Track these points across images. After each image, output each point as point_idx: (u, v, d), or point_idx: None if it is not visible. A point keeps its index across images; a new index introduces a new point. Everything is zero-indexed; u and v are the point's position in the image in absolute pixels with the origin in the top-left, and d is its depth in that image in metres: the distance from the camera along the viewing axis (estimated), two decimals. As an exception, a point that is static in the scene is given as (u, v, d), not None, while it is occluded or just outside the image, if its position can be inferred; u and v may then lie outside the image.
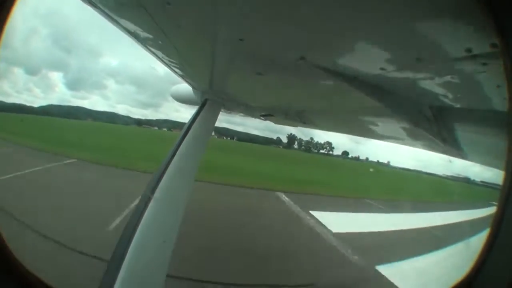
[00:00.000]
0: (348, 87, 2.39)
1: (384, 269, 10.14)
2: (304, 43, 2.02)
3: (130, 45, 3.23)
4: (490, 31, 1.17)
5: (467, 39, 1.30)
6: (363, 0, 1.30)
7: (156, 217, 3.49)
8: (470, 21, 1.19)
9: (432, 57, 1.59)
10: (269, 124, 8.66)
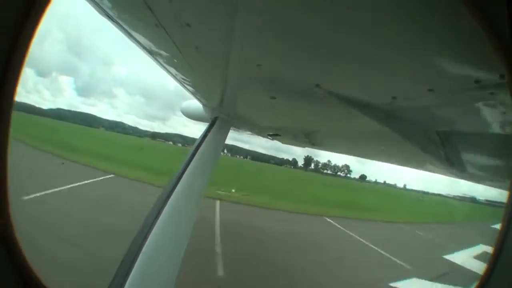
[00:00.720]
0: (359, 114, 2.47)
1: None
2: (320, 72, 2.11)
3: (143, 57, 3.33)
4: (499, 62, 1.25)
5: (477, 70, 1.39)
6: (378, 33, 1.39)
7: (165, 233, 3.49)
8: (481, 53, 1.27)
9: (443, 88, 1.67)
10: (276, 143, 8.71)
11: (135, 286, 3.02)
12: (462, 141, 2.32)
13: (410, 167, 4.47)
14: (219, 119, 5.31)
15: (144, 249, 3.25)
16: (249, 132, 7.92)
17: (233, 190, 26.25)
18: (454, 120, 2.10)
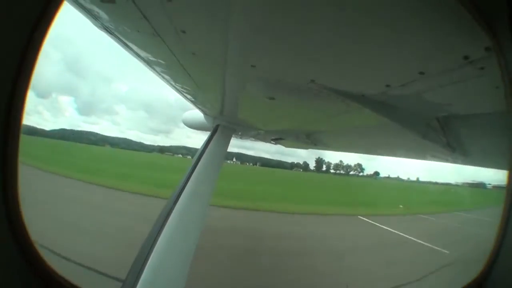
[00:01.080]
0: (356, 106, 2.49)
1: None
2: (313, 67, 2.14)
3: (143, 72, 3.36)
4: (483, 35, 1.27)
5: (463, 46, 1.40)
6: (364, 21, 1.42)
7: (171, 242, 3.49)
8: (464, 28, 1.29)
9: (433, 69, 1.68)
10: (280, 148, 8.72)
11: None
12: (462, 125, 2.32)
13: (414, 158, 4.46)
14: (220, 127, 5.36)
15: (151, 259, 3.24)
16: (252, 138, 7.96)
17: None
18: (451, 103, 2.11)
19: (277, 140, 7.14)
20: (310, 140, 5.40)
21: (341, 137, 4.97)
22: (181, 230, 3.69)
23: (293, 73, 2.38)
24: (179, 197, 3.94)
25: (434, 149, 2.62)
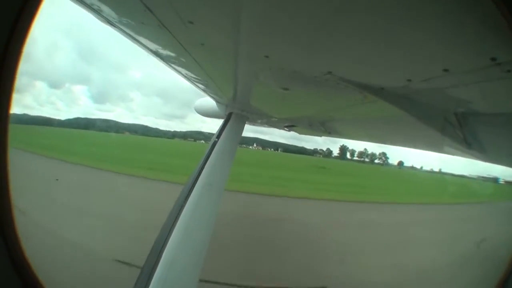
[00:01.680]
0: (373, 98, 2.40)
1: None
2: (331, 58, 2.06)
3: (154, 58, 3.36)
4: None
5: (492, 48, 1.33)
6: (390, 15, 1.34)
7: (188, 228, 3.56)
8: (494, 30, 1.22)
9: (458, 67, 1.60)
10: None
11: (161, 281, 3.10)
12: (481, 122, 2.23)
13: (429, 150, 4.35)
14: (233, 115, 5.34)
15: (168, 244, 3.32)
16: (266, 125, 7.91)
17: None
18: (472, 101, 2.02)
19: (290, 127, 7.07)
20: (324, 128, 5.32)
21: (356, 127, 4.87)
22: (197, 218, 3.75)
23: (308, 65, 2.31)
24: (194, 185, 3.99)
25: (450, 143, 2.53)
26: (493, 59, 1.34)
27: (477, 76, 1.56)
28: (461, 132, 2.35)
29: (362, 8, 1.36)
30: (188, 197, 3.81)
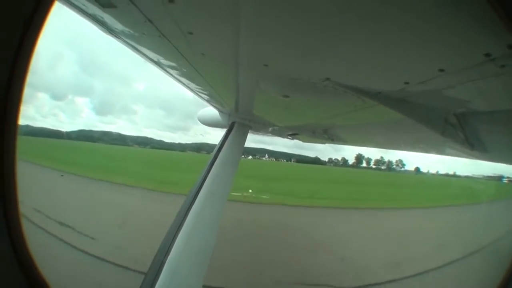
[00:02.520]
0: (372, 103, 2.42)
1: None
2: (328, 65, 2.10)
3: (156, 69, 3.42)
4: (506, 32, 1.21)
5: (485, 44, 1.34)
6: (383, 20, 1.37)
7: (191, 238, 3.55)
8: (486, 25, 1.23)
9: (454, 66, 1.62)
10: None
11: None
12: (481, 121, 2.23)
13: (432, 153, 4.33)
14: (236, 124, 5.37)
15: (171, 252, 3.32)
16: (269, 134, 7.93)
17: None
18: (470, 100, 2.03)
19: (293, 135, 7.09)
20: (327, 135, 5.33)
21: (358, 132, 4.87)
22: (200, 227, 3.74)
23: (307, 71, 2.34)
24: (198, 194, 4.00)
25: (452, 144, 2.52)
26: (487, 54, 1.36)
27: (473, 74, 1.57)
28: (462, 133, 2.35)
29: (355, 15, 1.39)
30: (192, 205, 3.81)
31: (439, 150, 3.75)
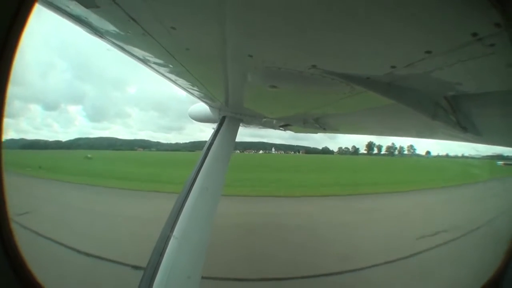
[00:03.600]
0: (361, 89, 2.40)
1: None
2: (313, 52, 2.05)
3: (146, 71, 3.37)
4: (492, 10, 1.17)
5: (471, 23, 1.31)
6: (365, 2, 1.33)
7: (186, 231, 3.57)
8: (471, 4, 1.20)
9: (441, 47, 1.58)
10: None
11: (163, 283, 3.11)
12: (472, 104, 2.22)
13: (425, 137, 4.36)
14: (227, 118, 5.35)
15: (168, 250, 3.34)
16: (261, 126, 7.91)
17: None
18: (460, 82, 2.00)
19: (285, 126, 7.07)
20: (319, 124, 5.32)
21: (350, 120, 4.87)
22: (194, 224, 3.76)
23: (292, 60, 2.30)
24: (191, 190, 4.00)
25: (444, 128, 2.52)
26: (474, 34, 1.32)
27: (461, 55, 1.54)
28: (454, 116, 2.34)
29: None
30: (186, 201, 3.82)
31: (432, 134, 3.77)
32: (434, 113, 2.31)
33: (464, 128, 2.34)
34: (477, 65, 1.63)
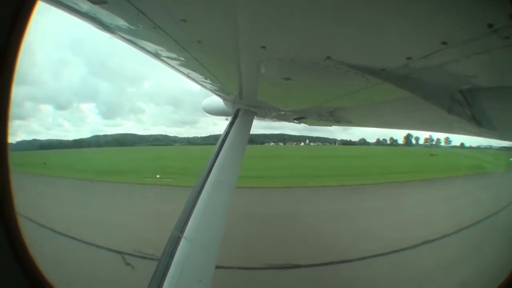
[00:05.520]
0: (376, 81, 2.35)
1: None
2: (328, 43, 2.03)
3: (159, 65, 3.40)
4: (508, 1, 1.14)
5: (487, 14, 1.27)
6: None
7: (199, 227, 3.60)
8: None
9: (456, 39, 1.54)
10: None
11: (176, 275, 3.15)
12: (488, 98, 2.15)
13: (439, 131, 4.27)
14: (241, 111, 5.35)
15: (181, 243, 3.37)
16: (275, 119, 7.88)
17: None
18: (475, 75, 1.95)
19: (300, 119, 7.03)
20: (333, 117, 5.26)
21: (364, 113, 4.79)
22: (207, 220, 3.76)
23: (306, 51, 2.28)
24: (205, 182, 4.03)
25: (458, 122, 2.46)
26: (490, 25, 1.28)
27: (477, 47, 1.50)
28: (469, 110, 2.28)
29: None
30: (199, 196, 3.84)
31: (447, 128, 3.68)
32: (449, 107, 2.25)
33: (479, 122, 2.28)
34: (492, 58, 1.58)
